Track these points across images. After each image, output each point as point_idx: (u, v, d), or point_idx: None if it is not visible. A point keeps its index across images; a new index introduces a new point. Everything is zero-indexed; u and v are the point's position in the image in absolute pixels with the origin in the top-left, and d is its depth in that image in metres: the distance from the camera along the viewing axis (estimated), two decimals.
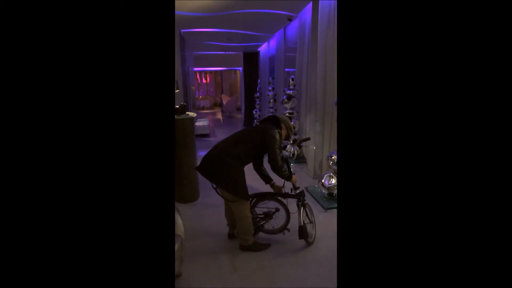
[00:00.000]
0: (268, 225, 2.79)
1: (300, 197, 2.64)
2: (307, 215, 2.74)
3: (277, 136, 2.48)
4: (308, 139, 3.13)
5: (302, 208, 2.64)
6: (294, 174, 2.64)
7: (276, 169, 2.46)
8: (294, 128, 2.69)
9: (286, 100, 5.54)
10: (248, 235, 2.56)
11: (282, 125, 2.63)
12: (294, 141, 2.65)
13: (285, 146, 5.52)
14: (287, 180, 2.61)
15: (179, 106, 3.58)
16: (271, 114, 2.74)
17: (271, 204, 2.75)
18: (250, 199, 2.59)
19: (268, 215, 2.74)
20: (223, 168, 2.37)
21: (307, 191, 3.88)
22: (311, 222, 2.78)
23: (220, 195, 2.53)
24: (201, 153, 2.87)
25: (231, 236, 2.82)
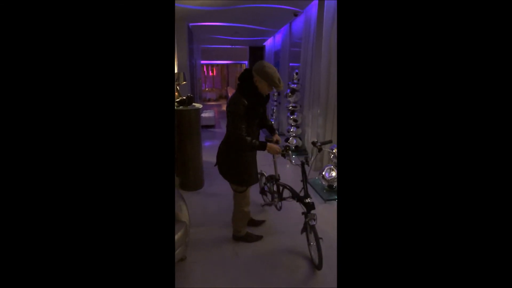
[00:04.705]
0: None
1: (308, 208, 2.31)
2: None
3: (240, 104, 2.15)
4: (330, 142, 2.70)
5: (310, 230, 2.32)
6: (276, 142, 2.46)
7: (236, 138, 2.18)
8: (278, 75, 2.18)
9: (290, 94, 5.64)
10: (241, 227, 2.63)
11: (256, 79, 2.18)
12: (314, 143, 2.39)
13: (288, 139, 5.64)
14: (259, 150, 2.27)
15: (186, 98, 3.69)
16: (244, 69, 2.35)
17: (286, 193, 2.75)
18: (248, 186, 2.45)
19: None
20: (221, 157, 2.41)
21: (308, 182, 3.99)
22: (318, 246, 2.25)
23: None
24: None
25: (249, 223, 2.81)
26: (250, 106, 2.18)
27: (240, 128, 2.15)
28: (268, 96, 2.35)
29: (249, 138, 2.17)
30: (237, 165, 2.36)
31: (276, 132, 2.67)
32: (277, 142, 2.55)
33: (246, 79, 2.22)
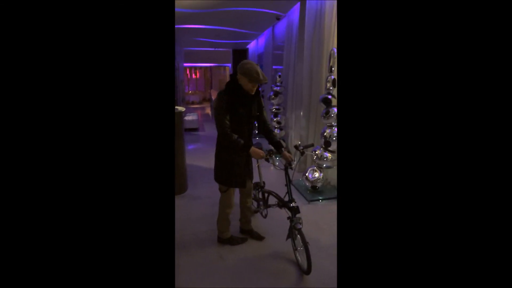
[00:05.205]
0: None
1: (293, 212, 2.34)
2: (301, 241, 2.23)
3: (222, 100, 2.23)
4: (311, 145, 2.78)
5: (297, 234, 2.28)
6: (260, 148, 2.33)
7: (221, 135, 2.25)
8: (259, 71, 2.19)
9: (273, 96, 5.68)
10: (224, 228, 2.65)
11: (238, 77, 2.26)
12: (296, 147, 2.39)
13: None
14: (244, 151, 2.28)
15: None
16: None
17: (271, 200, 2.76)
18: (229, 187, 2.46)
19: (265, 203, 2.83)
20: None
21: (292, 184, 4.02)
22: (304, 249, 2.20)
23: None
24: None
25: (244, 231, 2.87)
26: (232, 102, 2.23)
27: (224, 123, 2.21)
28: (256, 95, 2.34)
29: (235, 136, 2.20)
30: (220, 163, 2.40)
31: (285, 151, 2.42)
32: (289, 160, 2.40)
33: (232, 79, 2.30)
